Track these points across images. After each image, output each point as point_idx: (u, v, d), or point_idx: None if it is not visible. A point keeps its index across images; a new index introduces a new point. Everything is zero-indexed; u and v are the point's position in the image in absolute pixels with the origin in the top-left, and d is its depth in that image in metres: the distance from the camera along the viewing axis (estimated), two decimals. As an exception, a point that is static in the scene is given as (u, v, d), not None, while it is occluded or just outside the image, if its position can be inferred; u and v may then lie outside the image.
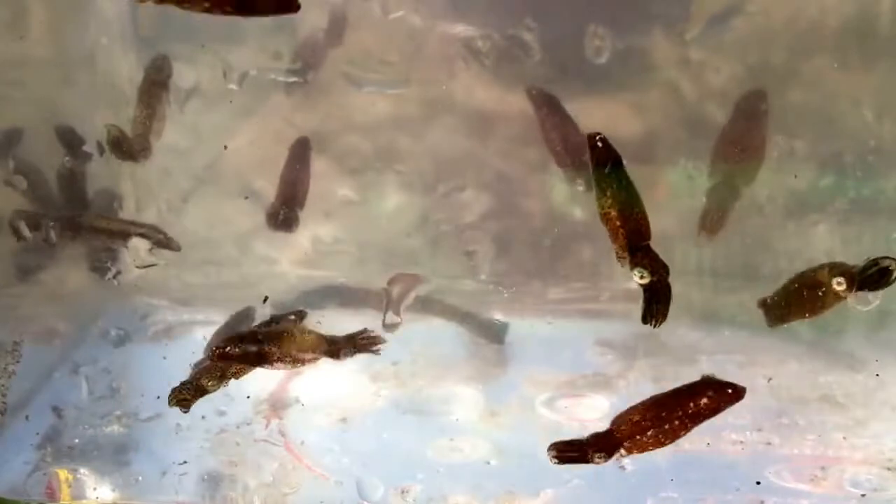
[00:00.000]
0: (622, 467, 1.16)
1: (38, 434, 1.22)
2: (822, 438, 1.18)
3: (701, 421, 0.98)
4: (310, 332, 1.09)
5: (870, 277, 0.97)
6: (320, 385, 1.27)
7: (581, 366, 1.28)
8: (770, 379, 1.22)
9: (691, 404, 0.98)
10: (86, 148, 1.24)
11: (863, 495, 1.11)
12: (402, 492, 1.15)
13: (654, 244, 1.26)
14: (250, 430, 1.22)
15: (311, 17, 1.17)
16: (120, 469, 1.19)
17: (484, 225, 1.26)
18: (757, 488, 1.12)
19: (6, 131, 1.24)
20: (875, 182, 1.19)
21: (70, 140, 1.24)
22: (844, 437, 1.18)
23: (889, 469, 1.14)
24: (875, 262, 0.96)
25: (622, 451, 0.99)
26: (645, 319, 0.98)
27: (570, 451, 1.00)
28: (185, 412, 1.08)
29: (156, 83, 1.19)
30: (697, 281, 1.27)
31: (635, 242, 0.96)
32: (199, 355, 1.24)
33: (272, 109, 1.21)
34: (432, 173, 1.23)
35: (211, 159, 1.25)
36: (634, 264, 0.95)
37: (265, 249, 1.31)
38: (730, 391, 0.98)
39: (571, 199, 1.24)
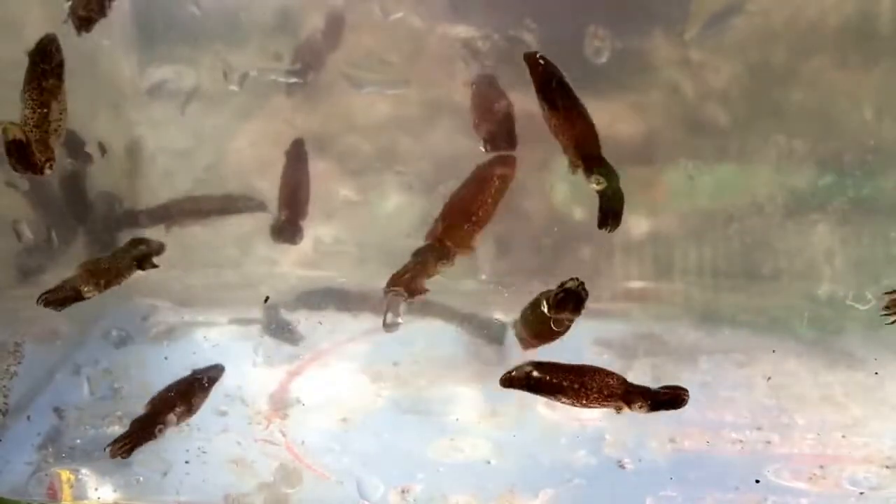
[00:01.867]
0: (622, 466, 1.17)
1: (39, 434, 1.22)
2: (821, 437, 1.19)
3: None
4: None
5: (561, 301, 1.00)
6: (321, 385, 1.28)
7: (581, 365, 1.28)
8: (769, 378, 1.22)
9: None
10: (87, 150, 1.24)
11: (861, 493, 1.11)
12: (403, 491, 1.15)
13: (654, 243, 1.27)
14: (251, 430, 1.23)
15: (310, 19, 1.17)
16: (121, 469, 1.19)
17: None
18: (756, 487, 1.12)
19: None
20: (874, 181, 1.19)
21: (71, 141, 1.24)
22: (843, 436, 1.18)
23: (888, 467, 1.15)
24: (562, 285, 1.00)
25: None
26: (601, 224, 1.01)
27: None
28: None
29: (46, 74, 0.99)
30: (697, 280, 1.27)
31: (587, 151, 1.00)
32: (200, 355, 1.25)
33: (273, 110, 1.21)
34: (432, 174, 1.23)
35: (212, 160, 1.25)
36: (590, 171, 0.99)
37: (266, 250, 1.31)
38: None
39: (571, 199, 1.24)
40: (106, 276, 1.08)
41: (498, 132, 1.11)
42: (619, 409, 1.00)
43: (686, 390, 1.01)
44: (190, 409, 1.17)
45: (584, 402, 1.01)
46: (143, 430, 1.13)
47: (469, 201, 1.08)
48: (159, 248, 1.16)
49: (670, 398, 1.00)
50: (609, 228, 1.01)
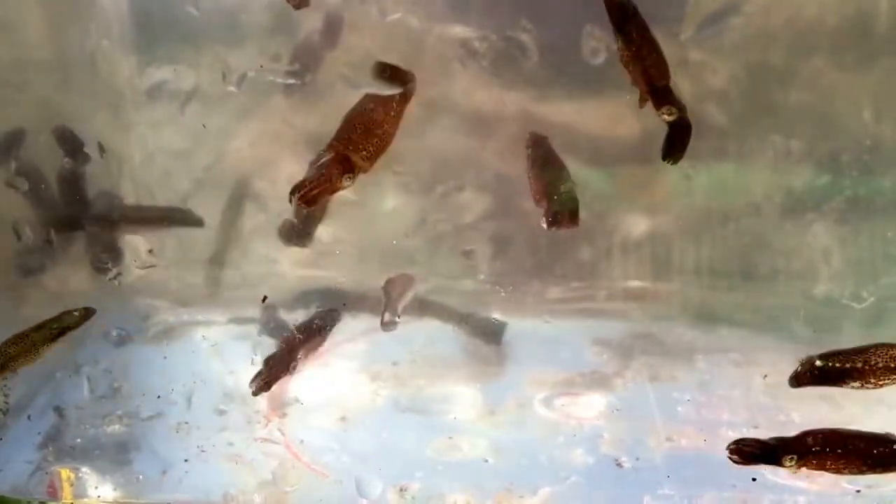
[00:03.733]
0: (620, 465, 1.17)
1: (39, 434, 1.22)
2: (818, 436, 1.19)
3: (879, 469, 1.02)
4: None
5: None
6: (320, 385, 1.28)
7: (579, 364, 1.28)
8: (766, 376, 1.23)
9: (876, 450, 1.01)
10: (86, 150, 1.24)
11: (858, 491, 1.12)
12: (401, 490, 1.15)
13: (652, 243, 1.27)
14: (250, 429, 1.23)
15: (309, 20, 1.17)
16: (121, 468, 1.19)
17: (482, 225, 1.26)
18: (753, 485, 1.12)
19: (8, 133, 1.24)
20: (872, 181, 1.19)
21: (69, 141, 1.24)
22: (841, 435, 1.19)
23: (885, 466, 1.15)
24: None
25: (811, 460, 1.01)
26: (666, 155, 1.04)
27: (756, 449, 1.01)
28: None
29: None
30: (695, 280, 1.27)
31: (659, 84, 1.01)
32: (199, 354, 1.26)
33: (271, 111, 1.21)
34: (430, 174, 1.24)
35: (211, 161, 1.26)
36: (662, 103, 1.01)
37: (265, 250, 1.31)
38: None
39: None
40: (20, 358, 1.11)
41: (561, 208, 1.07)
42: None
43: None
44: (316, 348, 1.23)
45: (873, 380, 1.01)
46: (280, 364, 1.17)
47: (371, 116, 1.05)
48: (80, 321, 1.17)
49: None
50: (672, 161, 1.05)
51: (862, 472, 1.03)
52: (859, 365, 1.01)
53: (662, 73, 1.02)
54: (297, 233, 1.24)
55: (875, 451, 1.01)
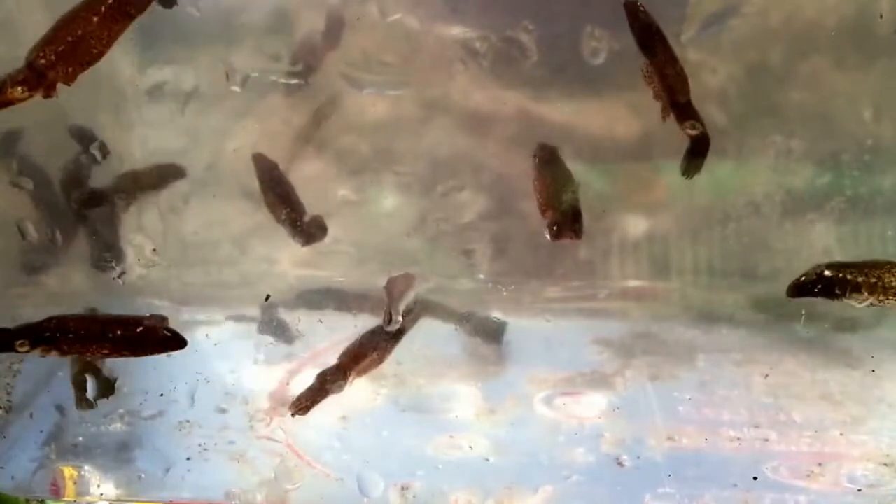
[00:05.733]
0: (620, 464, 1.18)
1: (42, 432, 1.23)
2: (818, 435, 1.19)
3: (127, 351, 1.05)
4: None
5: None
6: (320, 384, 1.28)
7: (579, 364, 1.28)
8: (767, 376, 1.23)
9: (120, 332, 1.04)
10: (91, 150, 1.25)
11: (859, 490, 1.12)
12: (403, 488, 1.16)
13: (651, 243, 1.27)
14: (252, 428, 1.24)
15: (309, 19, 1.17)
16: (123, 466, 1.20)
17: (482, 224, 1.26)
18: (754, 484, 1.13)
19: (9, 133, 1.25)
20: (872, 180, 1.19)
21: (82, 136, 1.25)
22: (841, 434, 1.19)
23: (886, 465, 1.15)
24: None
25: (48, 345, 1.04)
26: (687, 169, 1.10)
27: None
28: None
29: None
30: (695, 279, 1.27)
31: (681, 99, 1.06)
32: (201, 353, 1.26)
33: (272, 111, 1.21)
34: (431, 174, 1.24)
35: (211, 160, 1.26)
36: (686, 118, 1.06)
37: (265, 249, 1.31)
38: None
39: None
40: None
41: (564, 220, 1.10)
42: None
43: None
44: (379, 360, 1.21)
45: (882, 298, 1.00)
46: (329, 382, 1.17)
47: (78, 27, 0.98)
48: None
49: None
50: (689, 175, 1.10)
51: (111, 355, 1.06)
52: (873, 280, 1.00)
53: (684, 88, 1.06)
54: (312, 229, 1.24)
55: (118, 334, 1.03)
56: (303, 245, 1.22)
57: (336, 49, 1.17)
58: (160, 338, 1.08)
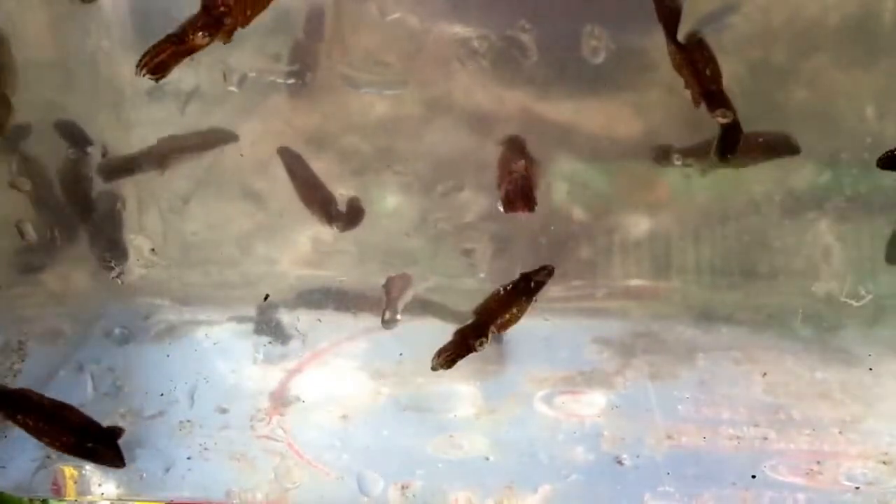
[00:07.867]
0: (620, 462, 1.18)
1: (43, 432, 1.23)
2: (817, 433, 1.19)
3: None
4: None
5: None
6: (321, 383, 1.29)
7: (579, 363, 1.29)
8: (766, 374, 1.23)
9: None
10: (89, 150, 1.25)
11: (857, 488, 1.12)
12: (403, 487, 1.16)
13: (652, 242, 1.27)
14: (252, 427, 1.24)
15: (302, 19, 1.17)
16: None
17: (482, 224, 1.26)
18: (753, 482, 1.13)
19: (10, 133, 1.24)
20: (872, 179, 1.19)
21: (72, 133, 1.24)
22: (840, 432, 1.19)
23: (884, 463, 1.15)
24: None
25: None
26: (722, 156, 1.10)
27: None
28: None
29: None
30: (695, 278, 1.27)
31: (711, 87, 1.06)
32: (202, 353, 1.26)
33: (272, 111, 1.21)
34: (431, 173, 1.24)
35: (212, 160, 1.26)
36: (717, 105, 1.05)
37: (265, 249, 1.31)
38: None
39: (569, 199, 1.24)
40: None
41: (513, 192, 1.13)
42: None
43: None
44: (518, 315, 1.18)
45: None
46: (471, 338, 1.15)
47: None
48: None
49: None
50: (727, 160, 1.10)
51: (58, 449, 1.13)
52: None
53: (715, 77, 1.05)
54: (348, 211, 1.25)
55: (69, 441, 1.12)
56: (342, 230, 1.23)
57: (322, 42, 1.16)
58: (102, 455, 1.16)
